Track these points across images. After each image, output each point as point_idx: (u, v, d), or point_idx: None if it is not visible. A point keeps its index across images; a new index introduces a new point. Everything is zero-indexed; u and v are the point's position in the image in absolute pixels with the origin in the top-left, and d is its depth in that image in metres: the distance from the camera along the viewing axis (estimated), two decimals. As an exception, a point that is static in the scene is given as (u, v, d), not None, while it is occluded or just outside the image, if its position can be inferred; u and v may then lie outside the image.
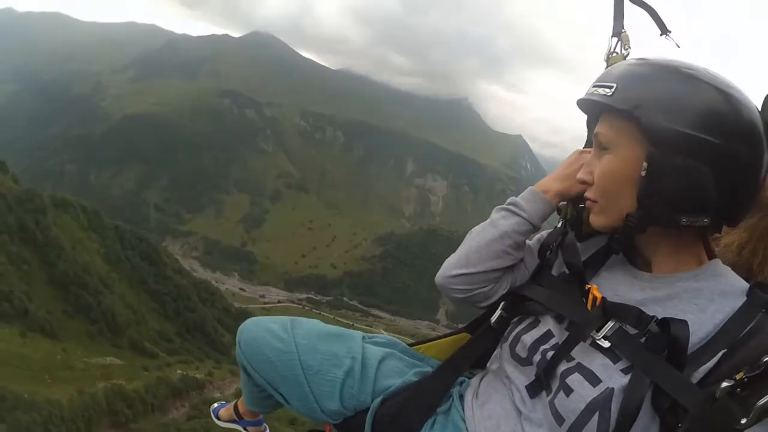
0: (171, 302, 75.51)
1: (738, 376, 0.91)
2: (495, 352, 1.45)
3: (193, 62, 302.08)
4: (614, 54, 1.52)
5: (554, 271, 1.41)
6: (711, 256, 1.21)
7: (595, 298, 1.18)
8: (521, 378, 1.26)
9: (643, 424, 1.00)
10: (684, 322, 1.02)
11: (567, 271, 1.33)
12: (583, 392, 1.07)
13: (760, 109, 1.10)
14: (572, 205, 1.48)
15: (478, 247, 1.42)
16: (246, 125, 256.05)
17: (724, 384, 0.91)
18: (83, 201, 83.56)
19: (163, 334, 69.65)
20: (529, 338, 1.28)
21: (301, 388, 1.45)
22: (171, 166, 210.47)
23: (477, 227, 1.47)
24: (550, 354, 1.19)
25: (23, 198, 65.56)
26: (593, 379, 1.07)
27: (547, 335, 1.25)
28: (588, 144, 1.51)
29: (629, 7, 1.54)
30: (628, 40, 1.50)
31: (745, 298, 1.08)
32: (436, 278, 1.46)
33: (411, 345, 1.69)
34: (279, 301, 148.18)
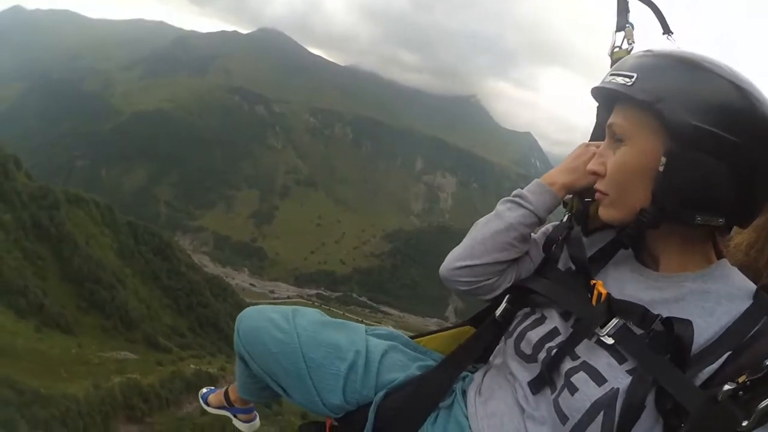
0: (184, 297, 75.71)
1: (740, 379, 0.90)
2: (498, 346, 1.44)
3: (202, 59, 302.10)
4: (618, 49, 1.49)
5: (561, 266, 1.39)
6: (719, 255, 1.19)
7: (600, 294, 1.16)
8: (525, 375, 1.24)
9: (646, 425, 1.00)
10: (688, 322, 1.01)
11: (573, 267, 1.32)
12: (589, 391, 1.05)
13: None
14: (578, 199, 1.46)
15: (483, 238, 1.40)
16: (255, 122, 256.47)
17: (726, 386, 0.90)
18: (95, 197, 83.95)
19: (175, 329, 69.88)
20: (534, 335, 1.26)
21: (302, 380, 1.42)
22: (181, 162, 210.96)
23: (482, 219, 1.46)
24: (555, 352, 1.18)
25: (37, 194, 65.96)
26: (599, 379, 1.06)
27: (553, 333, 1.23)
28: (595, 136, 1.50)
29: (634, 6, 1.53)
30: (633, 36, 1.49)
31: (751, 301, 1.06)
32: (440, 270, 1.43)
33: (413, 338, 1.67)
34: (288, 297, 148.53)
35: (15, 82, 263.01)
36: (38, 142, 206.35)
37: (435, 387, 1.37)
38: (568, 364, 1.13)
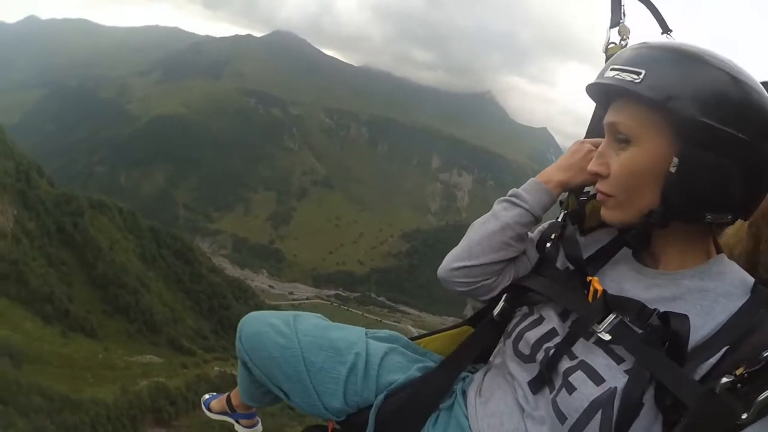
0: (206, 300, 76.43)
1: (738, 372, 0.89)
2: (498, 346, 1.44)
3: (217, 63, 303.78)
4: (612, 45, 1.48)
5: (559, 265, 1.38)
6: (718, 250, 1.19)
7: (596, 291, 1.16)
8: (524, 375, 1.24)
9: (646, 422, 0.99)
10: (684, 317, 1.01)
11: (570, 266, 1.31)
12: (587, 391, 1.05)
13: None
14: (574, 197, 1.45)
15: (479, 239, 1.39)
16: (271, 124, 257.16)
17: (724, 379, 0.89)
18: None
19: (199, 331, 70.47)
20: (532, 336, 1.25)
21: (303, 385, 1.43)
22: (199, 165, 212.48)
23: (479, 219, 1.45)
24: (553, 351, 1.17)
25: (60, 201, 66.77)
26: (596, 378, 1.06)
27: (551, 333, 1.22)
28: (591, 133, 1.47)
29: (632, 5, 1.53)
30: (627, 32, 1.47)
31: (749, 296, 1.06)
32: (438, 271, 1.43)
33: (412, 339, 1.67)
34: (307, 298, 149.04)
35: (32, 89, 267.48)
36: (56, 147, 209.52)
37: (435, 388, 1.37)
38: (566, 364, 1.12)
